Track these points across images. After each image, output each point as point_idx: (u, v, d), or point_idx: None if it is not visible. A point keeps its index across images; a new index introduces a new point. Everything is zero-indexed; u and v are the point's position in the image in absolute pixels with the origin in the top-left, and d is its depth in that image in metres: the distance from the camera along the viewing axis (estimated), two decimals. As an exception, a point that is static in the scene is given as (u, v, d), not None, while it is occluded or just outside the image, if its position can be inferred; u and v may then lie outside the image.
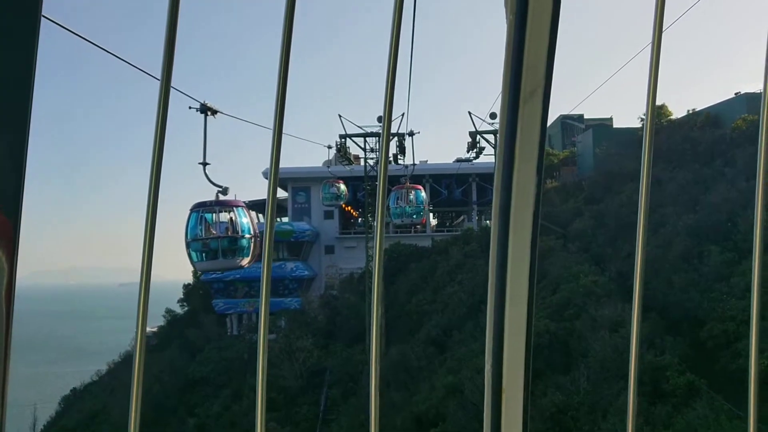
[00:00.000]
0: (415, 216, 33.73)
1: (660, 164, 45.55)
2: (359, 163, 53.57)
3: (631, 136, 53.25)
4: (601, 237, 41.05)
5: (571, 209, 48.81)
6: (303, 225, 64.69)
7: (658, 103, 57.19)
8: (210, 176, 15.30)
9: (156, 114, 1.44)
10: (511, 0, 1.74)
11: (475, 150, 47.76)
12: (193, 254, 16.02)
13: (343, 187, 41.66)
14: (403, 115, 45.60)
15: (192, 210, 15.94)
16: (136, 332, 1.53)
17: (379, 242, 1.68)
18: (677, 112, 55.74)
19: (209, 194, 15.37)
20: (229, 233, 15.78)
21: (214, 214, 15.91)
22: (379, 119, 50.75)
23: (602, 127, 62.16)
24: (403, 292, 50.63)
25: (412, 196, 32.76)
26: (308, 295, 61.16)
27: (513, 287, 1.82)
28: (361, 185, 53.13)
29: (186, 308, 71.14)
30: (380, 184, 1.69)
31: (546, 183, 58.90)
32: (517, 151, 1.73)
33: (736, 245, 30.29)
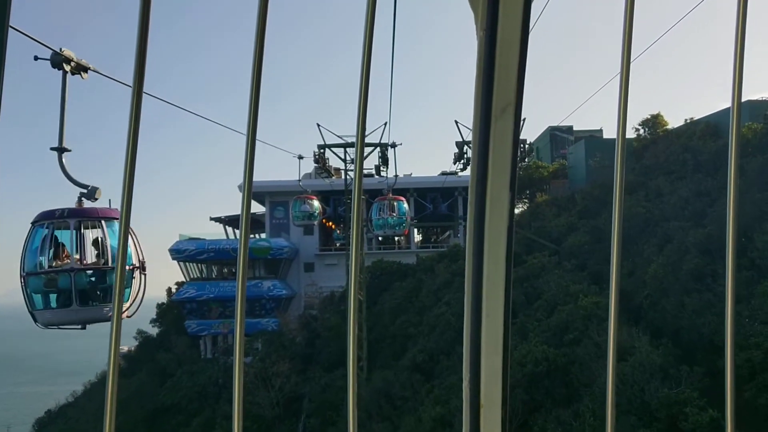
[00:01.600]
0: (397, 228, 32.82)
1: (659, 176, 42.91)
2: (340, 176, 50.58)
3: (629, 147, 50.59)
4: (598, 254, 38.11)
5: (564, 224, 45.98)
6: (281, 241, 61.41)
7: (654, 112, 55.05)
8: (70, 172, 10.13)
9: (129, 115, 1.38)
10: (480, 16, 1.74)
11: (462, 161, 45.08)
12: (34, 296, 10.87)
13: (316, 203, 37.30)
14: (385, 124, 42.68)
15: (34, 223, 10.61)
16: (109, 358, 1.47)
17: (355, 260, 1.74)
18: (674, 121, 53.31)
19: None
20: (94, 262, 10.73)
21: (71, 232, 10.54)
22: (360, 129, 48.09)
23: (594, 138, 59.59)
24: (386, 312, 47.49)
25: (394, 208, 31.88)
26: (286, 315, 57.85)
27: (489, 301, 1.79)
28: (342, 199, 50.03)
29: (159, 329, 67.58)
30: (355, 197, 1.66)
31: (536, 197, 56.11)
32: (490, 167, 1.75)
33: (753, 263, 27.46)
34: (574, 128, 69.22)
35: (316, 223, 40.29)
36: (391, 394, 36.46)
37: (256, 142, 1.54)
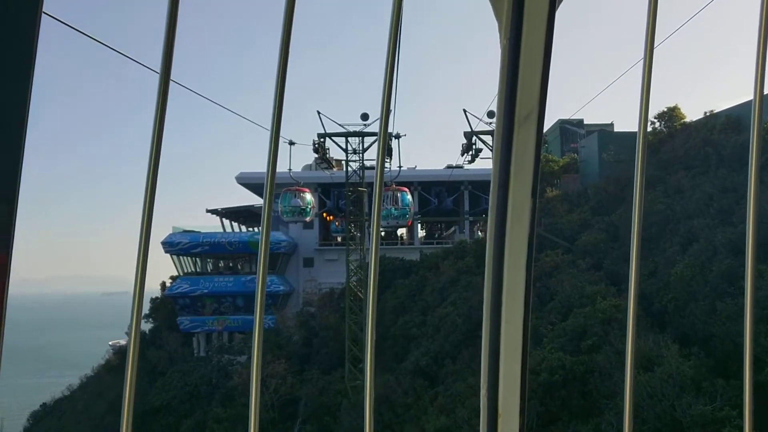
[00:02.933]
0: (400, 219, 33.43)
1: (678, 171, 40.44)
2: (341, 168, 48.09)
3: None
4: (615, 252, 35.72)
5: (577, 220, 43.56)
6: (279, 235, 58.99)
7: (670, 104, 52.55)
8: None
9: (155, 111, 1.41)
10: (505, 25, 1.77)
11: (470, 153, 42.57)
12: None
13: (309, 197, 34.08)
14: (391, 112, 40.17)
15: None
16: (129, 345, 1.46)
17: (375, 253, 1.68)
18: (691, 114, 50.80)
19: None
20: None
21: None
22: (364, 117, 45.66)
23: (607, 132, 57.08)
24: (388, 311, 45.05)
25: (397, 199, 32.24)
26: (284, 312, 55.49)
27: (509, 310, 1.79)
28: (344, 192, 47.50)
29: (152, 325, 65.25)
30: (376, 192, 1.61)
31: (546, 192, 53.65)
32: (512, 174, 1.75)
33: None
34: (585, 122, 66.95)
35: (308, 219, 35.78)
36: (392, 400, 34.09)
37: (273, 134, 1.55)
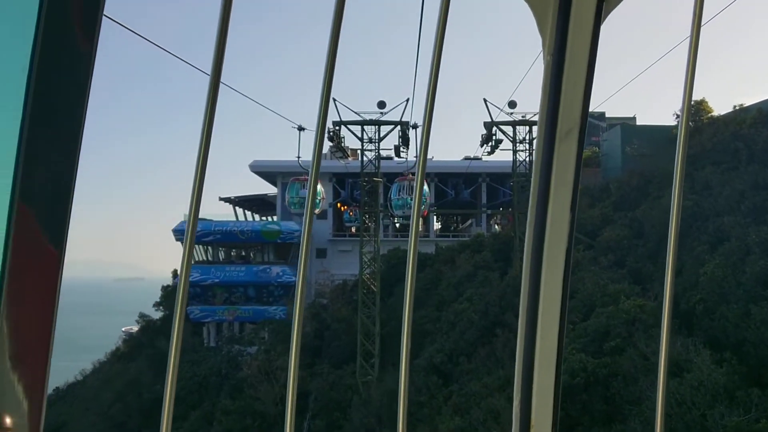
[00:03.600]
0: None
1: (706, 166, 38.92)
2: (356, 157, 46.92)
3: (665, 134, 46.67)
4: (639, 249, 34.39)
5: (598, 215, 42.14)
6: (291, 225, 57.91)
7: (697, 97, 50.92)
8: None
9: (204, 109, 1.46)
10: (548, 42, 1.80)
11: (490, 143, 41.33)
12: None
13: (319, 187, 31.49)
14: (407, 100, 39.01)
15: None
16: (173, 332, 1.56)
17: (414, 242, 1.69)
18: (719, 108, 49.19)
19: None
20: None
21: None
22: (380, 105, 44.43)
23: (630, 125, 55.53)
24: (401, 305, 43.78)
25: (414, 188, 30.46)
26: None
27: (544, 322, 1.79)
28: (359, 182, 46.31)
29: (163, 313, 64.48)
30: (417, 184, 1.64)
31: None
32: (552, 189, 1.78)
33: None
34: (606, 115, 65.31)
35: (317, 212, 34.29)
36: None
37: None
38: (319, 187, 30.66)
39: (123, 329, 73.98)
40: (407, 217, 41.74)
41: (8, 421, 1.37)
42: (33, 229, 1.37)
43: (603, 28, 1.87)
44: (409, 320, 1.75)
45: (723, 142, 40.45)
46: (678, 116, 48.01)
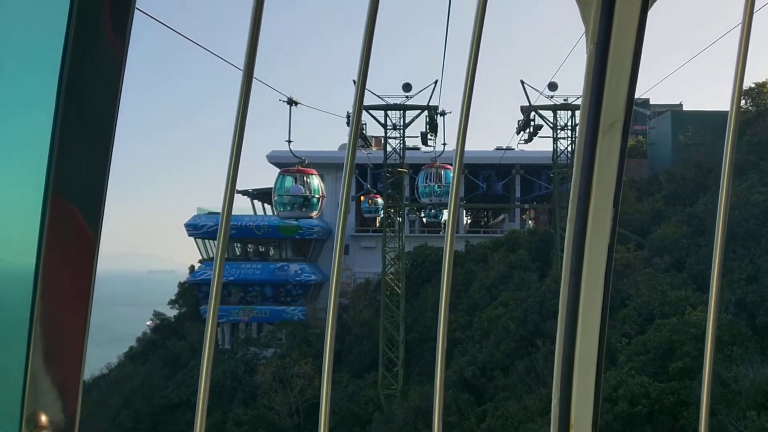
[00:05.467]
0: (443, 197, 31.57)
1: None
2: (380, 147, 42.93)
3: (721, 120, 41.82)
4: (701, 249, 30.04)
5: (648, 210, 37.81)
6: (311, 219, 54.04)
7: (761, 80, 46.34)
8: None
9: (237, 105, 1.43)
10: (592, 30, 1.75)
11: (528, 130, 37.15)
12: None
13: (317, 182, 23.24)
14: (436, 82, 35.01)
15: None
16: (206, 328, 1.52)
17: (451, 234, 1.63)
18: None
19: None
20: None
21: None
22: (405, 87, 40.40)
23: (681, 111, 50.90)
24: (429, 308, 39.99)
25: (441, 176, 30.25)
26: (315, 304, 50.75)
27: (585, 321, 1.79)
28: (381, 173, 42.31)
29: (178, 311, 61.24)
30: (456, 165, 1.57)
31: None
32: (594, 183, 1.75)
33: None
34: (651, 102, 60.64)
35: (314, 214, 23.44)
36: (430, 417, 29.00)
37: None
38: (317, 180, 22.64)
39: (147, 323, 71.21)
40: (435, 207, 37.83)
41: (44, 419, 1.36)
42: (68, 225, 1.37)
43: (649, 14, 1.75)
44: (444, 332, 1.65)
45: (793, 128, 35.93)
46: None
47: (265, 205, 64.56)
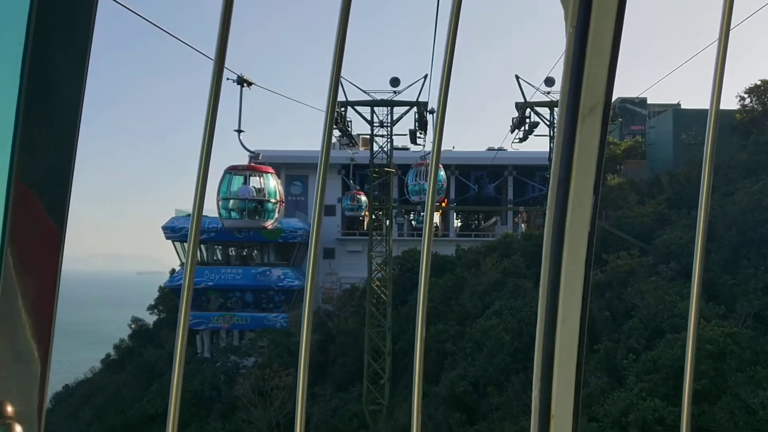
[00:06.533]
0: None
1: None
2: (367, 147, 40.54)
3: (727, 119, 40.08)
4: (711, 257, 27.89)
5: (651, 214, 35.64)
6: (295, 222, 51.68)
7: (766, 77, 44.38)
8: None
9: (208, 93, 1.39)
10: (571, 13, 1.74)
11: (523, 128, 34.95)
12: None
13: (273, 182, 17.94)
14: (425, 77, 32.75)
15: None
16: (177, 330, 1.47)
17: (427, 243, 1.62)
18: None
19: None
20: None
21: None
22: (393, 82, 38.09)
23: (683, 110, 48.83)
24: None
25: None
26: (298, 311, 48.26)
27: (565, 307, 1.77)
28: (368, 174, 39.93)
29: (157, 317, 58.81)
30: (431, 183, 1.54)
31: (606, 179, 45.71)
32: (574, 169, 1.74)
33: None
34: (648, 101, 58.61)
35: (269, 224, 18.20)
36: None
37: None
38: (273, 182, 17.54)
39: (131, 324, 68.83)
40: (423, 203, 35.62)
41: (9, 410, 1.35)
42: (32, 218, 1.36)
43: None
44: (421, 351, 1.63)
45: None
46: (742, 98, 41.53)
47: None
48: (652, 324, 24.45)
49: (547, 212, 1.76)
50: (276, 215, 17.51)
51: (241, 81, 14.72)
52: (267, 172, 17.33)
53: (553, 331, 1.77)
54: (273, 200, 17.15)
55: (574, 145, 1.71)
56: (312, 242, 1.47)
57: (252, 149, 18.14)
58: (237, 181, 17.28)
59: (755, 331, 21.56)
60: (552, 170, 1.76)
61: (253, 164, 17.59)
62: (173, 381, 1.43)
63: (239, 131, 16.54)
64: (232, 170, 17.31)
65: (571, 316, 1.76)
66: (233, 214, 17.33)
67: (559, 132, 1.75)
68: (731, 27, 1.59)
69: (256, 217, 17.32)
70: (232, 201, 17.08)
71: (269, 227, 18.30)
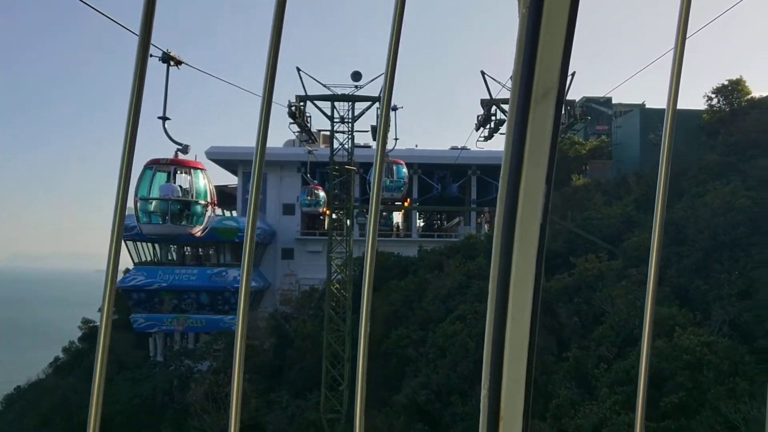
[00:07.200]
0: (395, 191, 31.04)
1: (757, 157, 31.69)
2: (328, 145, 38.97)
3: (695, 120, 39.49)
4: (683, 261, 26.95)
5: (618, 216, 34.74)
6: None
7: (734, 77, 43.87)
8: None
9: (133, 74, 1.34)
10: None
11: (489, 126, 33.64)
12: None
13: (204, 181, 14.56)
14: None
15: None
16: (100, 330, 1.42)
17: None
18: (763, 89, 42.19)
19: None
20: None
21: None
22: (355, 76, 36.65)
23: (650, 109, 48.19)
24: (379, 321, 36.22)
25: (393, 171, 29.59)
26: (256, 313, 46.70)
27: (516, 303, 1.66)
28: (329, 172, 38.35)
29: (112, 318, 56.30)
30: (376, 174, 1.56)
31: (572, 179, 44.82)
32: (526, 157, 1.64)
33: None
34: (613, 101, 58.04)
35: (197, 230, 14.36)
36: (379, 450, 25.40)
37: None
38: (203, 180, 14.34)
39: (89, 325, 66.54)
40: (387, 202, 34.27)
41: None
42: None
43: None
44: (364, 354, 1.62)
45: (773, 127, 33.22)
46: (709, 99, 40.92)
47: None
48: (624, 331, 23.40)
49: (497, 203, 1.64)
50: (206, 220, 14.20)
51: (167, 58, 12.08)
52: (196, 168, 14.29)
53: (503, 328, 1.64)
54: (202, 202, 13.92)
55: (526, 132, 1.61)
56: (247, 241, 1.41)
57: (182, 143, 13.60)
58: (160, 179, 14.07)
59: (731, 339, 20.60)
60: (503, 159, 1.64)
61: (179, 158, 13.88)
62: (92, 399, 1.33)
63: (164, 118, 13.17)
64: (153, 165, 13.95)
65: (521, 312, 1.64)
66: (154, 217, 14.19)
67: (510, 118, 1.63)
68: (688, 34, 1.54)
69: (183, 222, 14.08)
70: (153, 202, 14.01)
71: (197, 234, 14.51)
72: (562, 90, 1.60)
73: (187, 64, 11.91)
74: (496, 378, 1.65)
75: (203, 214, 14.08)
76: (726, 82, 40.10)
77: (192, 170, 14.13)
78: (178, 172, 14.01)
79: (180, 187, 13.84)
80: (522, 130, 1.61)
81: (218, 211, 61.22)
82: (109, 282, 1.33)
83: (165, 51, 11.69)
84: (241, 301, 1.45)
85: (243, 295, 1.45)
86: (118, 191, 1.33)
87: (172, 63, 11.91)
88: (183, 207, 13.98)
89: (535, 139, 1.60)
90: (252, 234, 1.48)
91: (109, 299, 1.35)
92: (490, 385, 1.65)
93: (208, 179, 14.35)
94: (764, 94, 38.94)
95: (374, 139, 37.95)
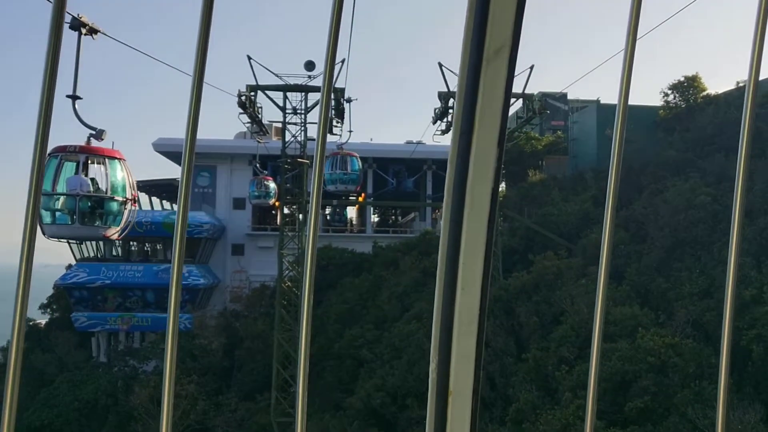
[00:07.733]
0: (349, 184, 29.80)
1: (714, 153, 31.37)
2: (280, 137, 37.63)
3: (652, 116, 39.27)
4: (643, 259, 26.42)
5: (576, 212, 34.20)
6: (200, 216, 48.20)
7: (690, 73, 43.78)
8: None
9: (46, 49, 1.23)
10: None
11: (446, 119, 32.95)
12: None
13: (121, 173, 11.72)
14: (343, 61, 30.19)
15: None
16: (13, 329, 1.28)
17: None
18: (718, 85, 42.02)
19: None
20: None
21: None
22: (308, 66, 35.38)
23: (607, 105, 47.90)
24: (332, 320, 35.15)
25: (347, 164, 28.54)
26: (204, 312, 45.13)
27: (466, 274, 1.60)
28: (281, 165, 37.00)
29: (50, 317, 54.14)
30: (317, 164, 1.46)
31: (529, 175, 44.30)
32: (477, 118, 1.57)
33: None
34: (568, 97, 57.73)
35: (111, 232, 11.31)
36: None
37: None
38: (120, 172, 11.67)
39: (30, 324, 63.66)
40: (339, 193, 33.00)
41: None
42: None
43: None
44: (306, 353, 1.47)
45: (730, 124, 32.92)
46: (665, 95, 40.71)
47: (154, 198, 58.22)
48: (584, 331, 22.69)
49: (447, 167, 1.56)
50: (124, 220, 11.50)
51: (79, 25, 10.27)
52: (113, 158, 11.61)
53: (452, 300, 1.57)
54: (119, 198, 11.37)
55: (477, 92, 1.52)
56: (175, 248, 1.35)
57: (96, 127, 10.90)
58: (67, 170, 11.67)
59: (695, 340, 20.02)
60: (454, 120, 1.57)
61: (91, 146, 11.28)
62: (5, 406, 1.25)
63: (74, 97, 10.70)
64: (59, 153, 11.51)
65: (472, 283, 1.57)
66: (60, 216, 11.63)
67: (461, 78, 1.55)
68: (644, 31, 1.47)
69: (96, 222, 11.54)
70: (56, 199, 11.61)
71: (113, 237, 11.66)
72: (515, 48, 1.49)
73: (103, 33, 10.04)
74: (445, 354, 1.57)
75: (120, 213, 11.48)
76: (682, 79, 39.93)
77: (107, 159, 11.48)
78: (90, 162, 11.50)
79: (92, 180, 11.39)
80: (473, 90, 1.52)
81: (166, 205, 59.25)
82: (21, 286, 1.19)
83: (75, 16, 9.57)
84: (171, 307, 1.31)
85: (173, 295, 1.31)
86: (31, 182, 1.20)
87: (84, 31, 9.68)
88: (95, 204, 11.52)
89: (487, 99, 1.51)
90: (182, 233, 1.34)
91: (23, 302, 1.20)
92: (439, 359, 1.58)
93: (127, 171, 11.65)
94: (720, 91, 38.91)
95: (329, 131, 36.89)
